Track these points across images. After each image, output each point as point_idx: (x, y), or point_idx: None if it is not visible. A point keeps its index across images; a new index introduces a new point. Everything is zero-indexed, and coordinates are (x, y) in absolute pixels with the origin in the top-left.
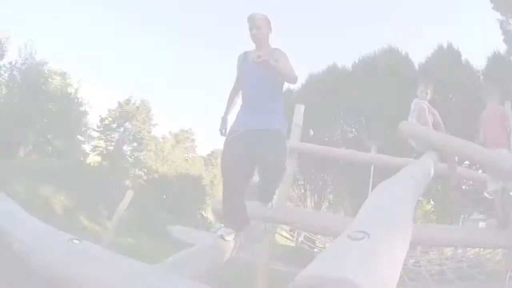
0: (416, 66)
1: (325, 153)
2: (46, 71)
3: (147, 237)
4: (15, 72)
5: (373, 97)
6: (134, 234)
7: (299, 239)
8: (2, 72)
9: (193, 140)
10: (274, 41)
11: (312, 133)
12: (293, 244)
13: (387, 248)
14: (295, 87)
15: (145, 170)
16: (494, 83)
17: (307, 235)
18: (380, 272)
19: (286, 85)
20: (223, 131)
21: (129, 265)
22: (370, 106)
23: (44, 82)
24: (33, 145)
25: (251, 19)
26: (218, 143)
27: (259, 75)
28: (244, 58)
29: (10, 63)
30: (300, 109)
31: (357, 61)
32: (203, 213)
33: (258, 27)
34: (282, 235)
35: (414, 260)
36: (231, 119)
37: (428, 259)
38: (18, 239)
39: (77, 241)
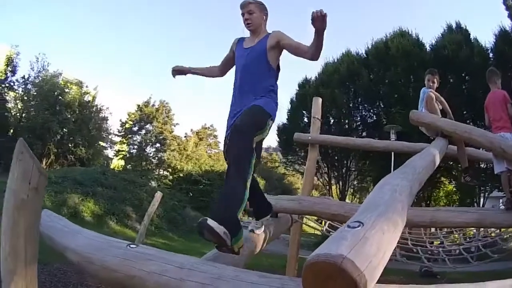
0: (428, 48)
1: (344, 143)
2: (61, 82)
3: (177, 236)
4: (29, 86)
5: (388, 81)
6: (165, 234)
7: (324, 228)
8: (15, 87)
9: (215, 136)
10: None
11: (332, 121)
12: (319, 233)
13: (376, 234)
14: (311, 76)
15: (170, 170)
16: (494, 69)
17: (331, 223)
18: (366, 251)
19: (303, 75)
20: (174, 72)
21: (185, 259)
22: (385, 90)
23: (61, 93)
24: (54, 156)
25: (242, 5)
26: None
27: (247, 61)
28: (237, 43)
29: (23, 77)
30: (317, 101)
31: (370, 46)
32: None
33: (250, 12)
34: (308, 225)
35: (438, 242)
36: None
37: (451, 239)
38: (72, 249)
39: (134, 246)
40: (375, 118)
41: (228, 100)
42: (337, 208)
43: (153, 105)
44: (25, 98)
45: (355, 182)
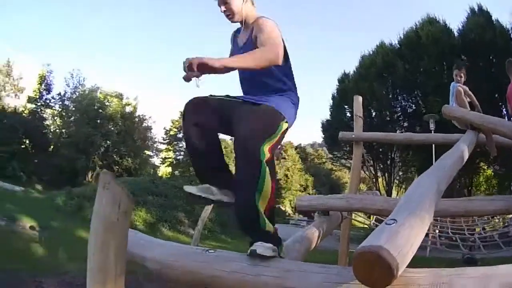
0: (455, 33)
1: (387, 139)
2: (100, 95)
3: (230, 238)
4: (66, 102)
5: (422, 69)
6: (218, 237)
7: (372, 222)
8: (52, 104)
9: None
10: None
11: (374, 113)
12: (368, 227)
13: (406, 229)
14: (350, 70)
15: None
16: None
17: (378, 217)
18: (398, 243)
19: (341, 70)
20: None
21: (258, 258)
22: (421, 79)
23: (101, 106)
24: (100, 168)
25: None
26: (288, 136)
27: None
28: (233, 38)
29: (59, 94)
30: (358, 100)
31: (402, 36)
32: (280, 207)
33: (225, 2)
34: (357, 220)
35: (478, 229)
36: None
37: (491, 225)
38: (152, 259)
39: (212, 251)
40: (414, 107)
41: None
42: (382, 203)
43: None
44: (63, 114)
45: (400, 173)
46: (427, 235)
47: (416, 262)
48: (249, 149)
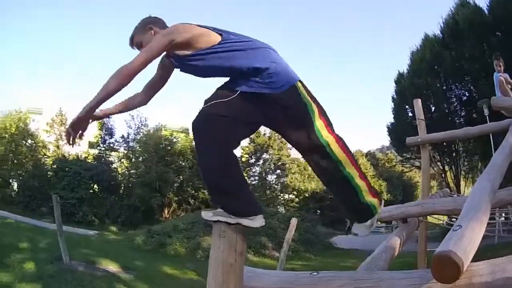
0: (485, 11)
1: (447, 137)
2: (165, 133)
3: (313, 255)
4: (131, 144)
5: (467, 55)
6: (302, 256)
7: (444, 221)
8: (116, 147)
9: None
10: None
11: (433, 108)
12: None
13: (468, 232)
14: (403, 70)
15: (295, 193)
16: None
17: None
18: (463, 244)
19: (395, 71)
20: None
21: (353, 273)
22: (467, 65)
23: (169, 143)
24: (176, 204)
25: (130, 44)
26: (357, 144)
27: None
28: None
29: (122, 136)
30: (417, 103)
31: (442, 25)
32: None
33: (138, 45)
34: (432, 217)
35: None
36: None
37: None
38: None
39: (315, 273)
40: (467, 94)
41: (339, 114)
42: (451, 204)
43: (264, 134)
44: (130, 155)
45: (466, 163)
46: (493, 225)
47: (486, 251)
48: (306, 143)
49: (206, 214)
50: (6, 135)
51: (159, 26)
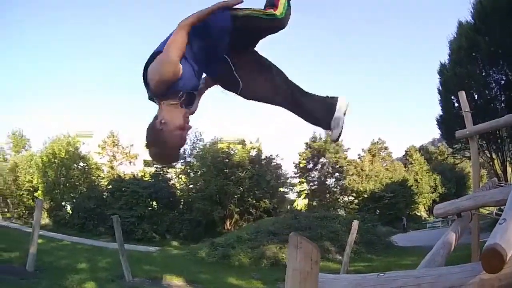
0: None
1: (490, 127)
2: (221, 146)
3: (375, 256)
4: (188, 159)
5: (498, 37)
6: (364, 257)
7: (494, 211)
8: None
9: (386, 148)
10: None
11: (476, 96)
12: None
13: None
14: (444, 60)
15: (354, 194)
16: None
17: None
18: (507, 236)
19: (437, 62)
20: None
21: (415, 272)
22: (500, 49)
23: (227, 156)
24: (238, 215)
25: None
26: (410, 139)
27: None
28: None
29: None
30: (462, 95)
31: (472, 11)
32: (416, 212)
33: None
34: (482, 213)
35: None
36: None
37: None
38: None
39: (382, 274)
40: (504, 78)
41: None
42: (499, 194)
43: (320, 139)
44: (188, 171)
45: (511, 149)
46: None
47: None
48: None
49: None
50: (56, 160)
51: None
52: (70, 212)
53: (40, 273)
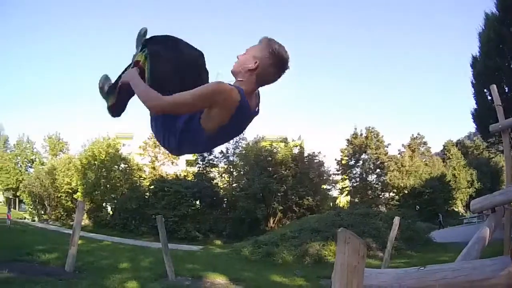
0: None
1: None
2: (264, 144)
3: (414, 252)
4: (231, 158)
5: None
6: (403, 253)
7: None
8: (216, 163)
9: (425, 143)
10: None
11: (507, 89)
12: None
13: None
14: (475, 52)
15: (395, 190)
16: None
17: None
18: None
19: (469, 54)
20: None
21: (453, 265)
22: None
23: (270, 154)
24: (281, 213)
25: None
26: (447, 134)
27: None
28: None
29: (221, 152)
30: (493, 89)
31: (496, 1)
32: (454, 208)
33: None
34: None
35: None
36: None
37: None
38: (378, 285)
39: (423, 268)
40: None
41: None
42: None
43: (361, 135)
44: (231, 170)
45: None
46: None
47: None
48: None
49: None
50: (96, 162)
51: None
52: (111, 213)
53: (80, 273)
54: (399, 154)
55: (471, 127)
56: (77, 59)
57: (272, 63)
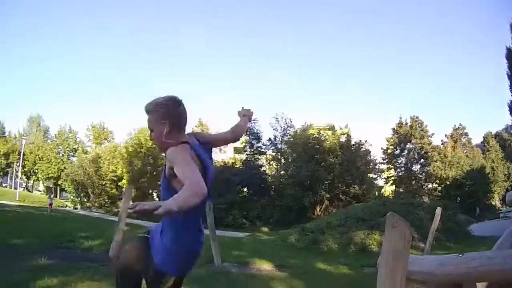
0: None
1: None
2: (312, 131)
3: (453, 244)
4: (279, 146)
5: None
6: (443, 245)
7: None
8: (264, 150)
9: (466, 134)
10: None
11: None
12: None
13: None
14: (509, 45)
15: (438, 181)
16: None
17: None
18: None
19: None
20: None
21: (488, 253)
22: None
23: (318, 142)
24: (328, 201)
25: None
26: (486, 125)
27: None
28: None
29: (269, 140)
30: None
31: None
32: (491, 202)
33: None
34: None
35: None
36: None
37: None
38: (418, 272)
39: (461, 255)
40: None
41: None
42: None
43: (406, 124)
44: (279, 157)
45: None
46: None
47: None
48: None
49: None
50: (142, 150)
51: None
52: (157, 200)
53: None
54: (442, 144)
55: (508, 119)
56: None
57: (171, 113)
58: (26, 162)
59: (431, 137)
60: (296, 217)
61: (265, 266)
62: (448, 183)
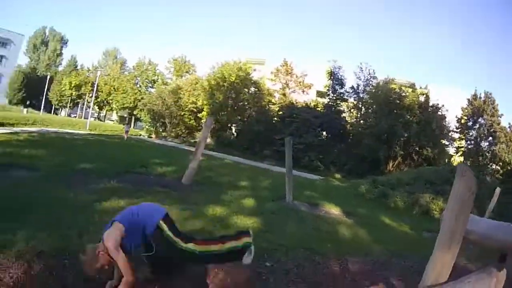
0: None
1: None
2: (394, 86)
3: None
4: (361, 95)
5: None
6: None
7: None
8: (346, 97)
9: None
10: None
11: None
12: None
13: None
14: None
15: (501, 164)
16: None
17: None
18: None
19: None
20: None
21: None
22: None
23: (398, 97)
24: (401, 158)
25: None
26: None
27: None
28: None
29: (352, 87)
30: None
31: None
32: None
33: None
34: None
35: None
36: None
37: None
38: (476, 232)
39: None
40: None
41: None
42: None
43: (480, 98)
44: (360, 106)
45: None
46: None
47: None
48: None
49: None
50: (225, 84)
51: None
52: (236, 133)
53: (197, 187)
54: (509, 128)
55: None
56: None
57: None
58: (99, 93)
59: (500, 117)
60: (369, 168)
61: (334, 210)
62: (509, 168)
